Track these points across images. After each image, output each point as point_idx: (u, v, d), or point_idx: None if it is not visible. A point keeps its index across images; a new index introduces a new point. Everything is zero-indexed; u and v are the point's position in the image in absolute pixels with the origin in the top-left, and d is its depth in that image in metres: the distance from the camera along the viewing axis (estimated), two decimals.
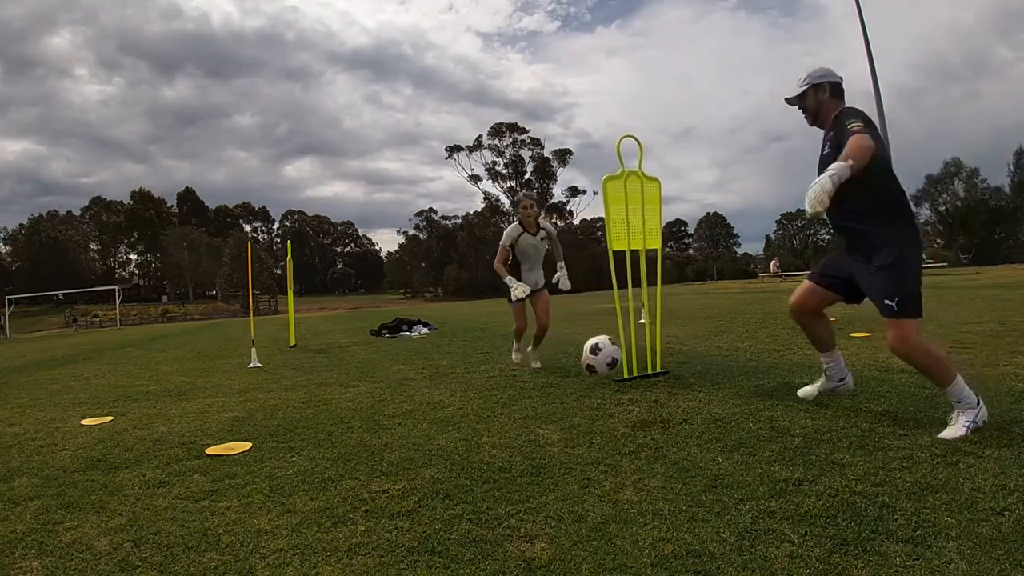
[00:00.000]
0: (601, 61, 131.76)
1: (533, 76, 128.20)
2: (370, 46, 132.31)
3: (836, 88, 2.79)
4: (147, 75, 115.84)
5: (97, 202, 77.68)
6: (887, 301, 2.49)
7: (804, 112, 2.87)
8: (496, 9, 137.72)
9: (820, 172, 2.44)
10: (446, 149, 71.13)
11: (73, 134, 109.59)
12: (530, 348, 5.08)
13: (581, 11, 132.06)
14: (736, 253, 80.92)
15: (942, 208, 52.65)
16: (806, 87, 2.80)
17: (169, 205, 79.69)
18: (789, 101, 2.89)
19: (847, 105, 2.76)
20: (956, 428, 2.41)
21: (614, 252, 4.21)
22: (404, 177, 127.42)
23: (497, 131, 69.65)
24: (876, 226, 2.58)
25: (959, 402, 2.48)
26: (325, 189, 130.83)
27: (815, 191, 2.30)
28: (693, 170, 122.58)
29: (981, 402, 2.48)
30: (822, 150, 2.78)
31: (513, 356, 5.31)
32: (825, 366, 3.13)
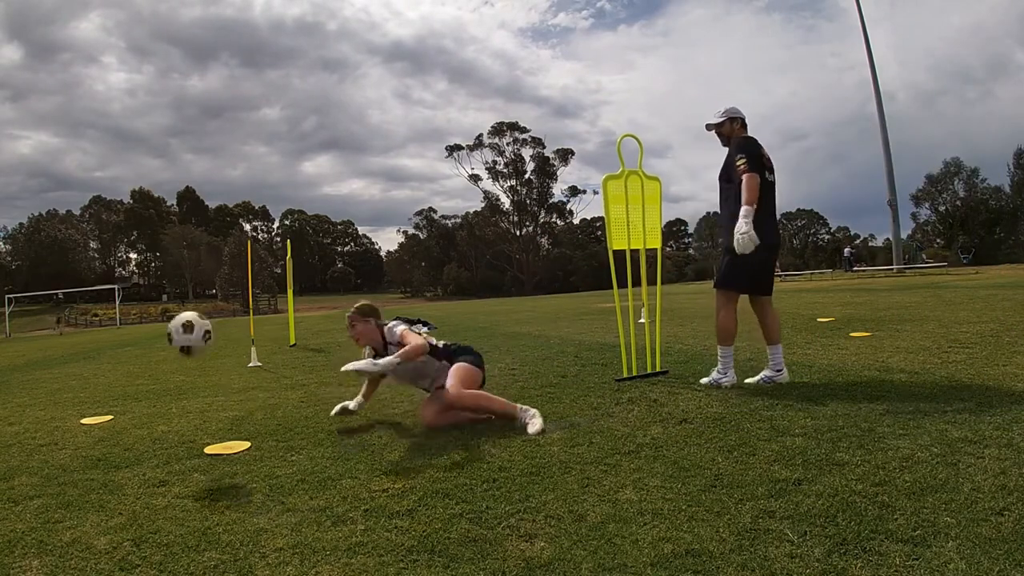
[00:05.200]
0: (636, 59, 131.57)
1: (568, 73, 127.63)
2: (412, 38, 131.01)
3: (744, 123, 3.80)
4: (179, 63, 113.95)
5: (97, 201, 77.68)
6: None
7: (719, 136, 3.86)
8: (531, 4, 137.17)
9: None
10: (446, 148, 71.06)
11: (93, 126, 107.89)
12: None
13: (616, 7, 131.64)
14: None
15: (942, 208, 52.60)
16: (723, 119, 3.79)
17: (169, 204, 79.73)
18: (708, 127, 3.86)
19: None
20: None
21: (614, 252, 4.20)
22: (424, 174, 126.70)
23: (498, 130, 69.57)
24: None
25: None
26: (342, 186, 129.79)
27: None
28: (710, 169, 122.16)
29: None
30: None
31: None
32: None
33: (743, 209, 3.39)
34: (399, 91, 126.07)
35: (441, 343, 3.42)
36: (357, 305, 3.46)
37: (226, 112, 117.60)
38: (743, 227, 3.36)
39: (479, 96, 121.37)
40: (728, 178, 3.66)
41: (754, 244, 3.37)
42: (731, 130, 3.77)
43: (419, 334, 3.28)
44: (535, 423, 2.93)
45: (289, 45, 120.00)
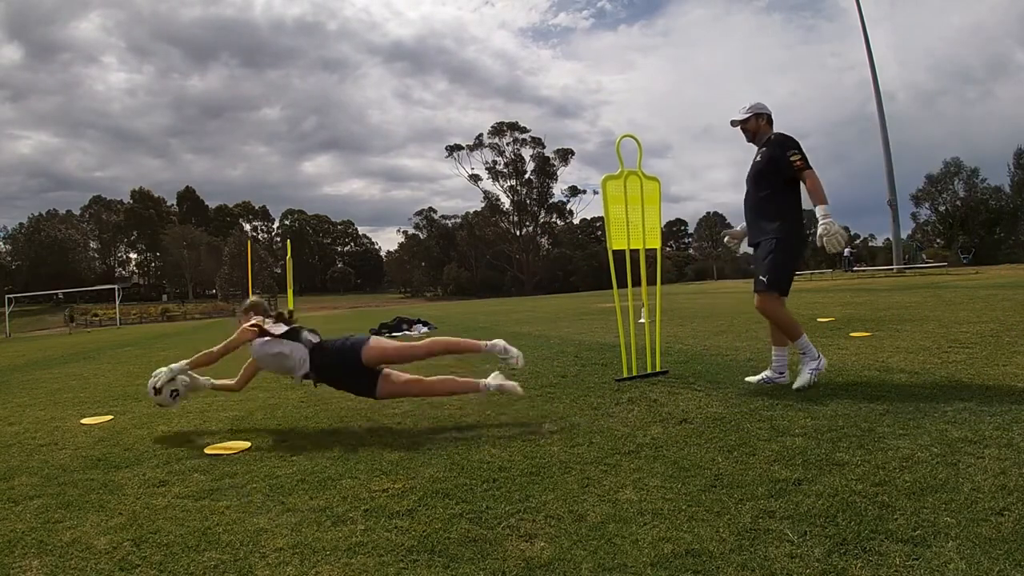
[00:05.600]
0: (636, 59, 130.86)
1: (568, 72, 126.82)
2: (412, 37, 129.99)
3: (770, 119, 3.72)
4: (179, 63, 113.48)
5: (97, 201, 77.68)
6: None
7: (744, 132, 3.77)
8: (532, 4, 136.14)
9: None
10: (446, 148, 71.08)
11: (93, 126, 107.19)
12: None
13: (616, 8, 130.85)
14: (736, 253, 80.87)
15: (942, 208, 52.65)
16: (749, 115, 3.70)
17: (169, 204, 79.72)
18: (733, 123, 3.78)
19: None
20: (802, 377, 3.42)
21: (614, 252, 4.20)
22: (423, 174, 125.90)
23: (498, 130, 69.58)
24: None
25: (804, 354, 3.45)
26: (342, 186, 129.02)
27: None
28: (710, 169, 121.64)
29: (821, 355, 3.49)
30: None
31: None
32: None
33: (822, 209, 3.30)
34: (399, 91, 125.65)
35: (289, 327, 3.39)
36: (246, 303, 3.62)
37: (226, 112, 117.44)
38: (832, 227, 3.27)
39: (479, 96, 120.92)
40: (764, 173, 3.55)
41: (845, 240, 3.33)
42: (757, 126, 3.68)
43: (256, 327, 3.33)
44: (499, 376, 3.22)
45: (289, 45, 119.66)
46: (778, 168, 3.46)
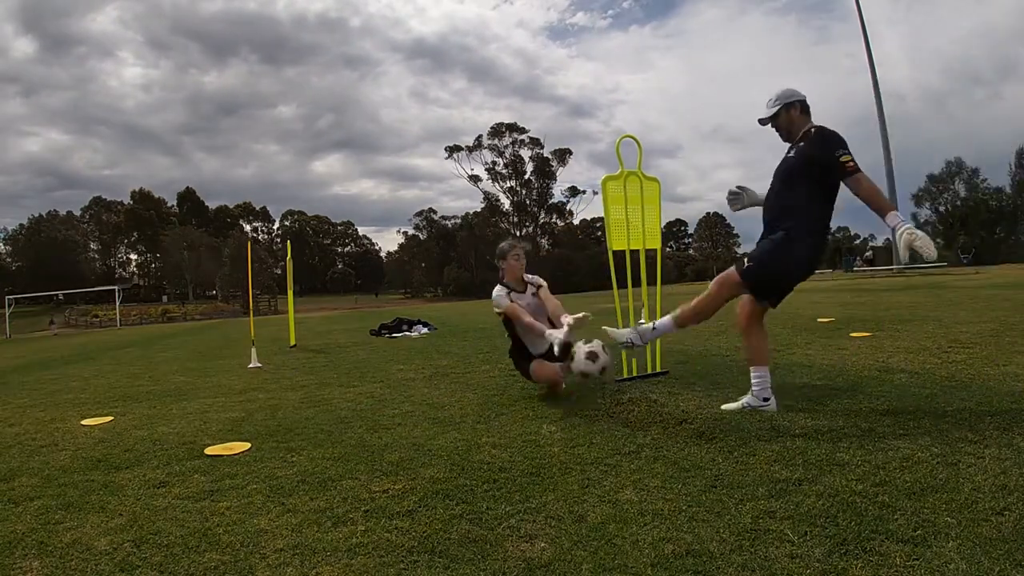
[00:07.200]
0: (652, 59, 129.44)
1: (586, 72, 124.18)
2: (435, 35, 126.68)
3: (805, 106, 3.10)
4: (198, 58, 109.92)
5: (97, 202, 77.72)
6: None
7: (777, 130, 3.16)
8: (551, 3, 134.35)
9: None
10: (446, 149, 71.12)
11: (105, 122, 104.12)
12: None
13: (633, 8, 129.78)
14: (736, 253, 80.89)
15: (942, 208, 52.68)
16: (778, 107, 3.09)
17: (169, 205, 79.71)
18: (762, 121, 3.18)
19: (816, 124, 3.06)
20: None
21: (614, 252, 4.21)
22: (434, 174, 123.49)
23: (497, 131, 69.62)
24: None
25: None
26: (352, 186, 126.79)
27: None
28: (718, 169, 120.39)
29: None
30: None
31: None
32: None
33: (895, 216, 2.77)
34: (416, 89, 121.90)
35: None
36: None
37: (241, 109, 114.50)
38: (918, 232, 2.72)
39: (496, 95, 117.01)
40: (795, 172, 2.99)
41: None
42: (790, 120, 3.06)
43: None
44: None
45: (310, 41, 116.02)
46: (813, 168, 2.91)
